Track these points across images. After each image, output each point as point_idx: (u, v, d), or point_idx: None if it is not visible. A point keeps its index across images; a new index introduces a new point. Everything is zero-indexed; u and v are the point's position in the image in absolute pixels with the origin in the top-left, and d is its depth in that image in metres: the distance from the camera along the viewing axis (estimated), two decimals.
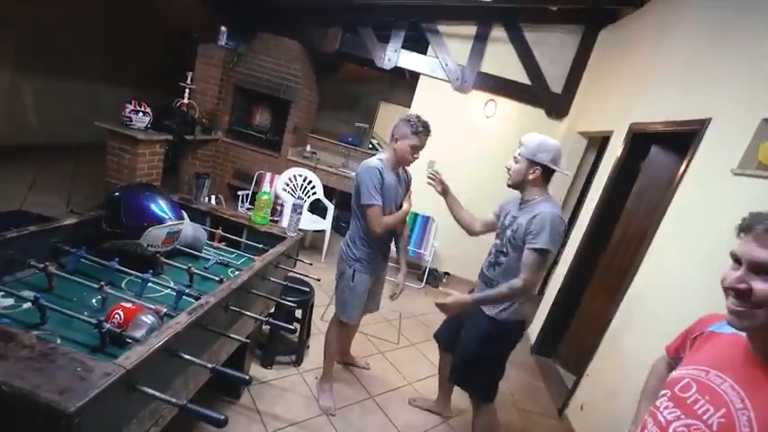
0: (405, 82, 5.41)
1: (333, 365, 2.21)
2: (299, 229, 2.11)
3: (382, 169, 1.90)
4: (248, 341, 1.33)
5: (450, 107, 4.20)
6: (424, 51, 4.18)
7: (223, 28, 4.09)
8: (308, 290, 2.31)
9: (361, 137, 5.50)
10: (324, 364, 2.19)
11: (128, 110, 3.20)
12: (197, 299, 1.33)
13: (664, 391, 0.87)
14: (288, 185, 4.00)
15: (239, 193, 3.94)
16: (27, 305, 1.16)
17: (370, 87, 6.28)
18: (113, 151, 3.24)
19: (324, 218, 4.06)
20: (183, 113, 3.72)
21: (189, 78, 3.91)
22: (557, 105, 4.08)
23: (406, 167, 2.10)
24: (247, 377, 1.01)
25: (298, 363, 2.36)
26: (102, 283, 1.21)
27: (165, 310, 1.18)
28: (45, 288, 1.25)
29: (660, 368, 1.14)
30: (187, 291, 1.32)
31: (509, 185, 1.79)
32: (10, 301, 1.16)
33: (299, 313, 2.40)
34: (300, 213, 2.02)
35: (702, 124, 2.16)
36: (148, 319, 1.12)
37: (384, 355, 2.77)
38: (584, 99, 3.97)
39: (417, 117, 1.91)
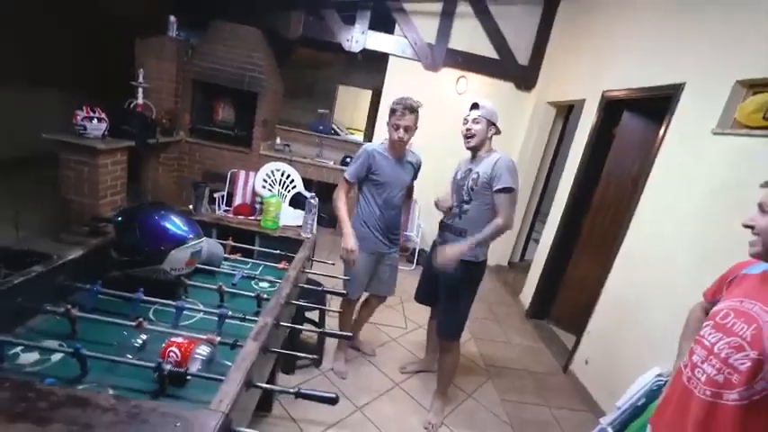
0: (361, 63, 5.25)
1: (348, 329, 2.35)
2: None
3: (373, 151, 2.05)
4: (315, 357, 1.27)
5: (422, 86, 4.16)
6: (391, 31, 4.08)
7: (172, 18, 3.71)
8: (320, 288, 2.26)
9: (323, 123, 5.32)
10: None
11: (80, 117, 2.85)
12: (242, 320, 1.25)
13: (707, 323, 1.06)
14: (266, 182, 3.81)
15: (215, 195, 3.70)
16: (56, 357, 1.03)
17: (326, 72, 6.06)
18: (69, 164, 2.90)
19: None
20: (142, 116, 3.39)
21: (140, 76, 3.54)
22: (525, 77, 4.18)
23: (413, 156, 2.18)
24: (335, 395, 0.97)
25: (318, 363, 2.31)
26: (141, 319, 1.09)
27: (218, 339, 1.09)
28: (67, 334, 1.12)
29: (697, 313, 1.30)
30: (229, 313, 1.23)
31: (472, 147, 1.92)
32: (34, 356, 1.02)
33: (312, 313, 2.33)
34: (315, 213, 1.94)
35: (677, 89, 2.30)
36: (204, 351, 1.04)
37: (397, 341, 2.80)
38: (550, 69, 4.09)
39: (400, 98, 2.00)
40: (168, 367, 0.94)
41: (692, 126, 2.16)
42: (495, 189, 1.80)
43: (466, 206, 1.91)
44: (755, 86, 1.91)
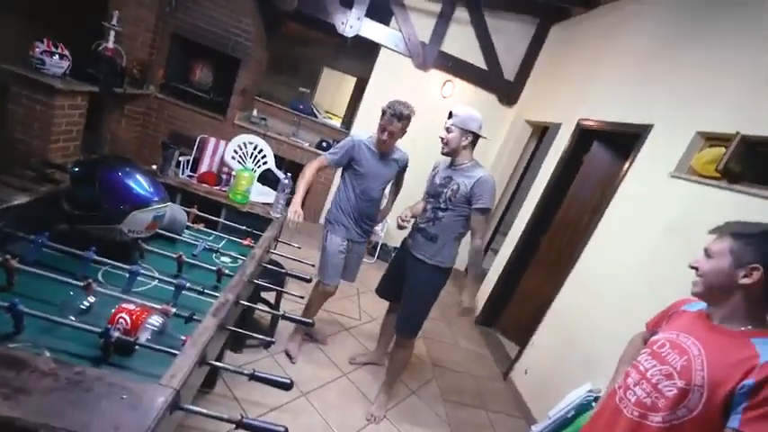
0: (350, 49, 5.15)
1: (313, 316, 2.41)
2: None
3: (360, 142, 2.08)
4: (272, 340, 1.24)
5: (409, 84, 4.17)
6: (387, 23, 4.03)
7: None
8: (282, 270, 2.22)
9: (304, 103, 5.19)
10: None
11: (38, 50, 2.59)
12: (200, 293, 1.20)
13: (644, 350, 1.16)
14: (237, 153, 3.67)
15: (180, 158, 3.50)
16: None
17: (313, 51, 5.89)
18: (19, 99, 2.63)
19: (275, 189, 3.84)
20: (111, 61, 3.13)
21: (114, 18, 3.26)
22: (509, 92, 4.29)
23: (399, 154, 2.23)
24: (289, 381, 0.96)
25: (268, 345, 2.27)
26: (90, 280, 1.02)
27: (173, 309, 1.04)
28: (2, 286, 1.02)
29: (638, 342, 1.39)
30: (188, 284, 1.18)
31: (445, 153, 1.96)
32: None
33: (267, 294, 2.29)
34: (288, 193, 1.89)
35: (645, 129, 2.45)
36: (156, 321, 1.00)
37: (350, 332, 2.80)
38: (533, 89, 4.22)
39: (394, 102, 2.02)
40: (116, 334, 0.89)
41: (653, 166, 2.31)
42: (474, 207, 1.85)
43: (441, 213, 1.94)
44: (712, 139, 2.08)
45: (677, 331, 1.10)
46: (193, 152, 3.72)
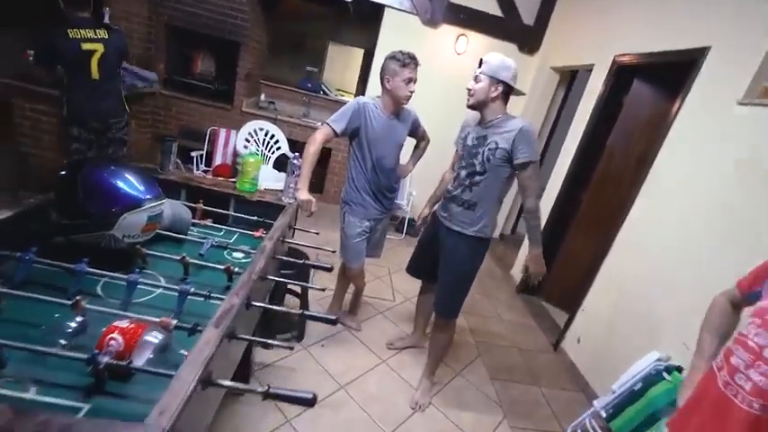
0: (353, 19, 4.83)
1: (341, 300, 2.43)
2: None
3: (366, 105, 1.90)
4: (290, 347, 1.10)
5: (419, 44, 3.82)
6: None
7: None
8: (302, 261, 2.09)
9: (312, 81, 4.96)
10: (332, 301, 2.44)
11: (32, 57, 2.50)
12: (207, 297, 1.07)
13: (752, 321, 0.92)
14: (248, 141, 3.54)
15: (192, 154, 3.42)
16: None
17: (315, 27, 5.61)
18: (24, 113, 2.58)
19: None
20: None
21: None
22: (529, 39, 3.89)
23: (406, 113, 2.04)
24: (311, 396, 0.81)
25: (300, 338, 2.18)
26: (78, 297, 0.90)
27: (174, 322, 0.91)
28: None
29: (724, 306, 1.14)
30: (192, 289, 1.04)
31: (470, 106, 1.73)
32: None
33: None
34: (299, 175, 1.73)
35: (701, 54, 2.09)
36: (155, 337, 0.87)
37: (384, 315, 2.67)
38: (557, 31, 3.80)
39: (401, 51, 1.85)
40: (106, 359, 0.76)
41: (714, 95, 1.98)
42: (516, 163, 1.62)
43: (479, 177, 1.71)
44: None
45: None
46: (205, 146, 3.63)
